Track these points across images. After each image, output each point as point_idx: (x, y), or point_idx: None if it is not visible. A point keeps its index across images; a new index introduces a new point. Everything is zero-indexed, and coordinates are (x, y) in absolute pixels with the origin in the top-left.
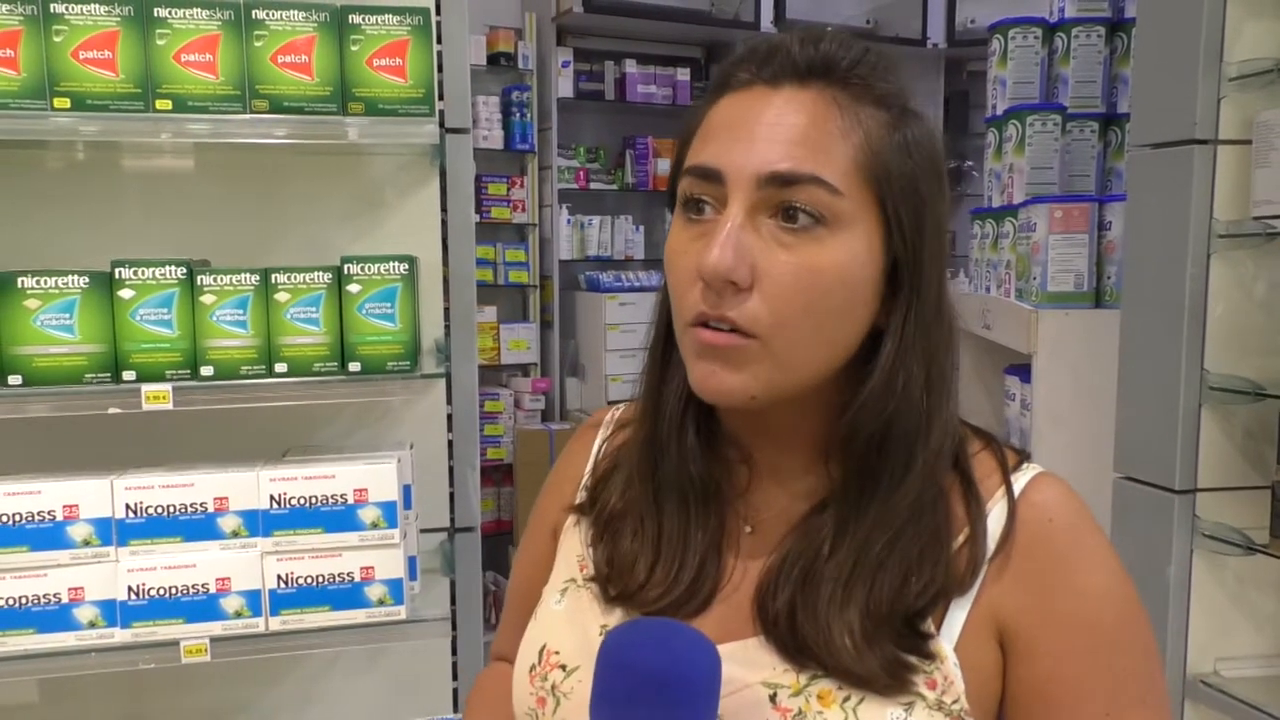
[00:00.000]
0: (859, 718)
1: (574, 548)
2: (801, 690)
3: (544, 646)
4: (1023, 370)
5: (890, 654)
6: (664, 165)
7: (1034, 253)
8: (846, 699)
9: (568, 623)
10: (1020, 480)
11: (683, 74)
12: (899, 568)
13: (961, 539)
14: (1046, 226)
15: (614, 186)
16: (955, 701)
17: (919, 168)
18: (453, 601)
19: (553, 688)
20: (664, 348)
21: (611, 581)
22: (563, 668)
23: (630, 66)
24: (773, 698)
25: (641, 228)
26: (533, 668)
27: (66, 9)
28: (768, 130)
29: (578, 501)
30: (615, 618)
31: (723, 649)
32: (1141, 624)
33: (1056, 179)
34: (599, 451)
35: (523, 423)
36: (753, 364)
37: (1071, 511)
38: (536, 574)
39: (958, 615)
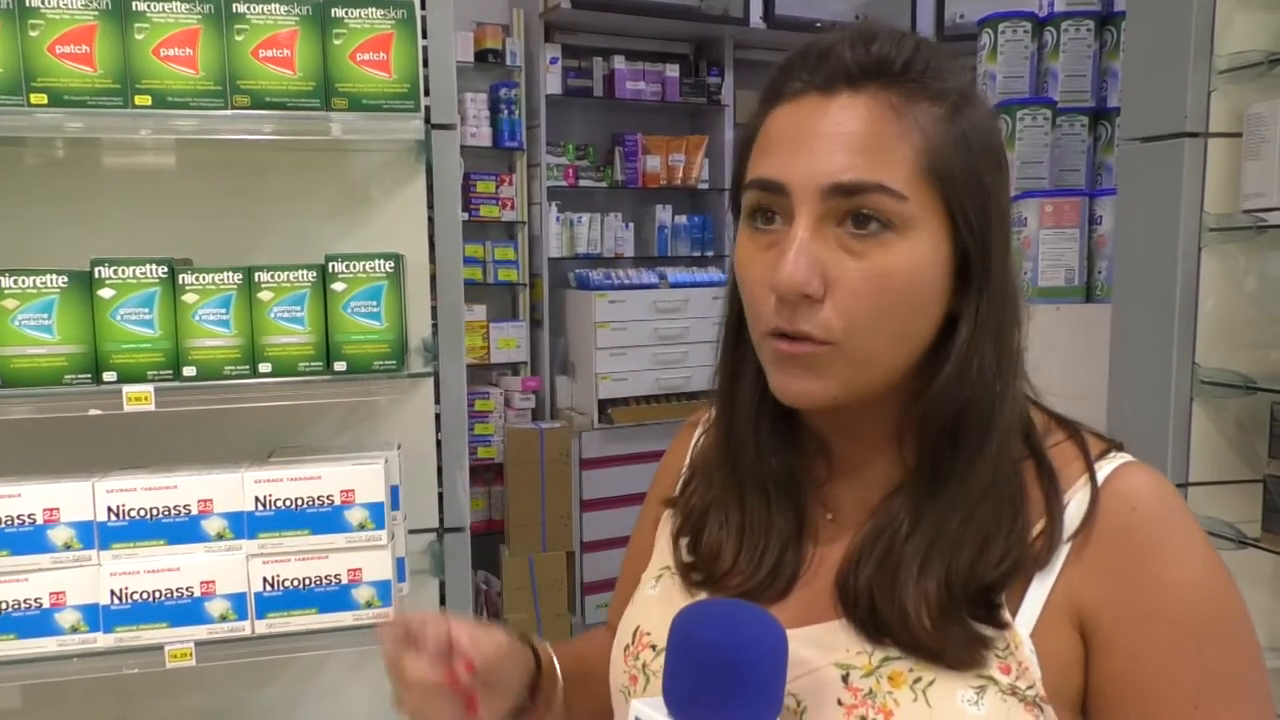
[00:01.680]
0: (929, 699)
1: (669, 536)
2: (873, 671)
3: (638, 628)
4: None
5: (966, 627)
6: (653, 162)
7: (1025, 247)
8: (917, 680)
9: (660, 606)
10: (1105, 469)
11: (671, 70)
12: (975, 543)
13: (1040, 525)
14: (1037, 221)
15: (603, 184)
16: (1030, 688)
17: (979, 159)
18: (442, 602)
19: (643, 666)
20: (735, 344)
21: (696, 569)
22: (653, 648)
23: (619, 63)
24: (845, 678)
25: (631, 225)
26: (627, 647)
27: (42, 3)
28: (827, 140)
29: (673, 495)
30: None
31: (800, 632)
32: (1235, 621)
33: (1047, 173)
34: (696, 446)
35: (513, 421)
36: (831, 368)
37: (1158, 501)
38: (640, 562)
39: (1035, 601)
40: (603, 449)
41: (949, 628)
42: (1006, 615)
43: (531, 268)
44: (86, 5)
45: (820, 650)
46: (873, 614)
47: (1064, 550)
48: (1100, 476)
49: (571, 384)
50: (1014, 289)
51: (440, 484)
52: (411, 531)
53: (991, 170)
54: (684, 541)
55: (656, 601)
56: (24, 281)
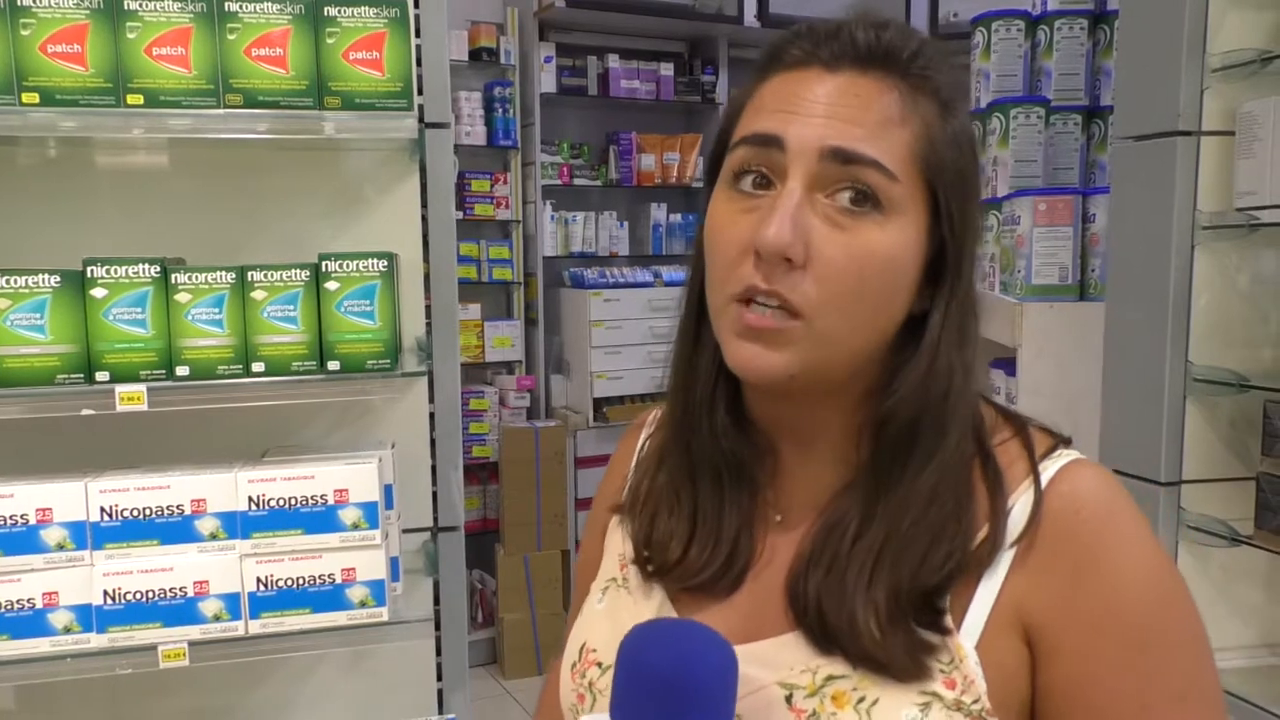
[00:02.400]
0: (872, 718)
1: (616, 546)
2: (817, 691)
3: (584, 644)
4: (1008, 364)
5: (911, 635)
6: (648, 161)
7: (1018, 246)
8: (860, 700)
9: (606, 621)
10: (1050, 468)
11: (666, 69)
12: (922, 546)
13: (985, 529)
14: (1031, 219)
15: (598, 182)
16: (975, 702)
17: (965, 159)
18: (436, 602)
19: (590, 684)
20: (696, 327)
21: (650, 559)
22: (599, 665)
23: (613, 61)
24: (788, 698)
25: (626, 223)
26: (574, 665)
27: (34, 2)
28: (829, 108)
29: (620, 501)
30: (652, 606)
31: (749, 648)
32: (1182, 618)
33: (1040, 172)
34: (642, 449)
35: (508, 420)
36: (795, 344)
37: (1103, 501)
38: (590, 573)
39: (980, 611)
40: (598, 447)
41: (896, 636)
42: (948, 621)
43: (526, 266)
44: (78, 4)
45: (765, 668)
46: (822, 624)
47: (1008, 555)
48: (1046, 476)
49: (566, 383)
50: (975, 289)
51: (434, 483)
52: (406, 531)
53: (974, 172)
54: (635, 531)
55: (603, 616)
56: (16, 281)
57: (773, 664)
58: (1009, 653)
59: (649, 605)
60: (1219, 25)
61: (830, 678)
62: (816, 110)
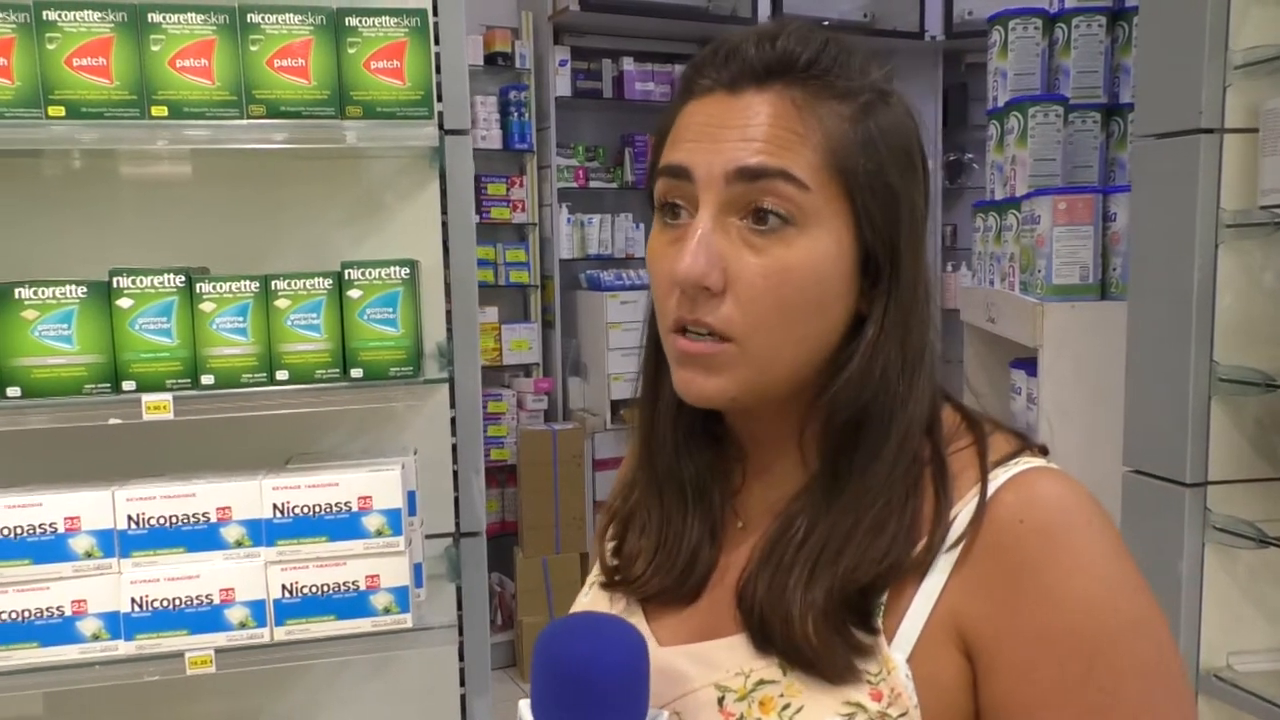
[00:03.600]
0: None
1: (606, 550)
2: (746, 695)
3: None
4: (1029, 364)
5: (847, 637)
6: None
7: (1038, 245)
8: (785, 707)
9: None
10: (1002, 476)
11: (681, 70)
12: (863, 543)
13: (927, 534)
14: (1050, 218)
15: (613, 184)
16: (903, 715)
17: (886, 159)
18: (459, 607)
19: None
20: (655, 347)
21: (619, 570)
22: None
23: (628, 64)
24: (720, 700)
25: (642, 225)
26: None
27: (59, 16)
28: (732, 132)
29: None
30: (619, 606)
31: (695, 648)
32: (1136, 638)
33: (1059, 170)
34: None
35: (525, 423)
36: (730, 368)
37: (1053, 511)
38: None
39: (914, 622)
40: (616, 449)
41: (829, 636)
42: (878, 622)
43: (543, 269)
44: (103, 18)
45: (704, 669)
46: (762, 625)
47: (946, 564)
48: (996, 484)
49: (584, 385)
50: (924, 291)
51: (456, 488)
52: (428, 536)
53: (901, 170)
54: (610, 545)
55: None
56: (43, 292)
57: (713, 665)
58: (946, 666)
59: (618, 605)
60: (1241, 21)
61: (761, 682)
62: (722, 136)
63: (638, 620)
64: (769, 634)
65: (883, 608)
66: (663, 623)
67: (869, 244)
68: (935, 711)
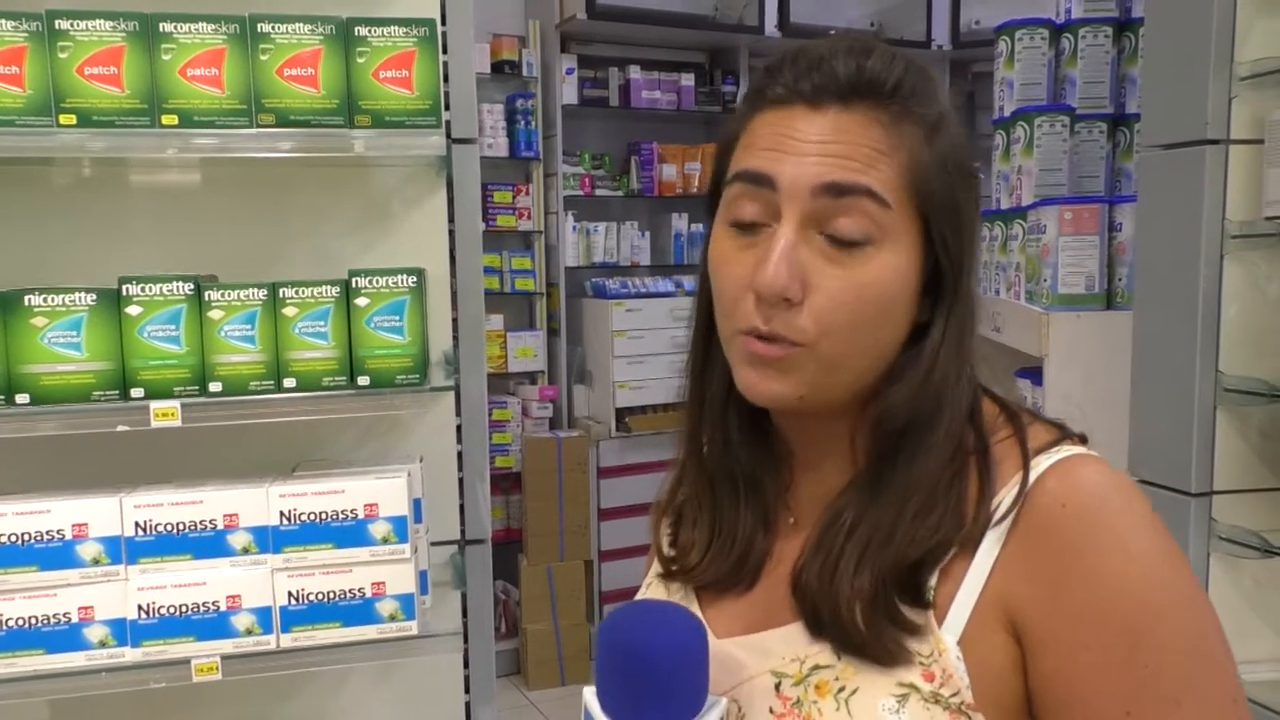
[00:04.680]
0: (850, 708)
1: (662, 544)
2: (802, 680)
3: None
4: (1034, 373)
5: (896, 617)
6: (669, 171)
7: (1044, 255)
8: (841, 689)
9: None
10: (1044, 463)
11: (687, 79)
12: (910, 527)
13: (972, 517)
14: (1056, 228)
15: (619, 192)
16: (955, 695)
17: (955, 179)
18: (464, 614)
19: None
20: (705, 345)
21: (675, 562)
22: None
23: (634, 72)
24: (777, 686)
25: (647, 233)
26: None
27: (71, 25)
28: (818, 146)
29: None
30: (676, 597)
31: (751, 638)
32: (1178, 617)
33: (1065, 180)
34: None
35: (530, 430)
36: (798, 370)
37: (1094, 495)
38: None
39: (963, 606)
40: (620, 457)
41: (879, 619)
42: (930, 595)
43: (548, 277)
44: (115, 27)
45: (760, 657)
46: (815, 612)
47: (993, 549)
48: (1038, 471)
49: (589, 393)
50: (975, 298)
51: (461, 496)
52: (433, 544)
53: (965, 189)
54: (667, 537)
55: None
56: (53, 299)
57: (769, 653)
58: (995, 649)
59: (674, 596)
60: (1247, 33)
61: (816, 667)
62: (808, 150)
63: (694, 611)
64: (820, 620)
65: (933, 590)
66: (718, 613)
67: (939, 261)
68: (986, 692)
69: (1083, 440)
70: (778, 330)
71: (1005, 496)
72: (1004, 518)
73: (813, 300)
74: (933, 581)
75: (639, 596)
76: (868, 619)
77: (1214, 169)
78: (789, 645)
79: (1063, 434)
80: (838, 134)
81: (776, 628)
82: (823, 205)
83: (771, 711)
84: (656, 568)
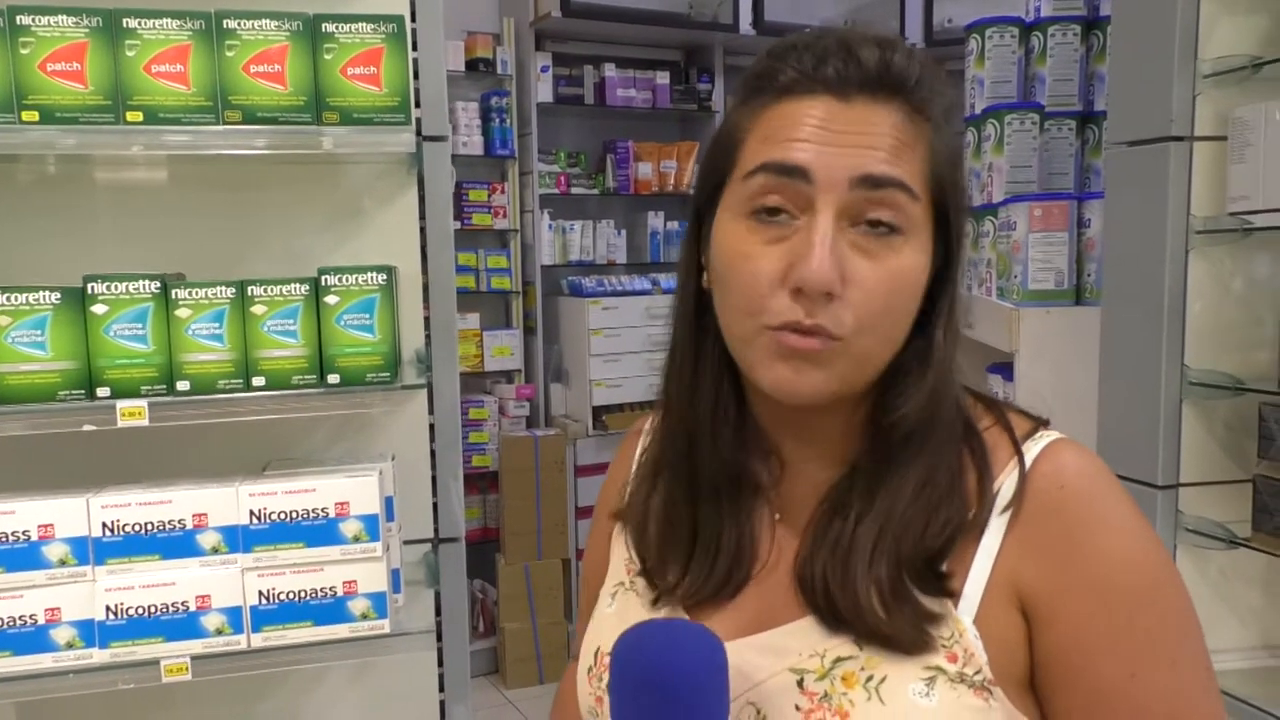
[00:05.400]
0: (881, 696)
1: (622, 551)
2: (827, 674)
3: (598, 649)
4: (1005, 369)
5: (916, 607)
6: (645, 169)
7: (1014, 251)
8: (869, 679)
9: (618, 623)
10: (1033, 449)
11: (662, 77)
12: (922, 520)
13: (975, 506)
14: (1026, 225)
15: (595, 191)
16: (977, 673)
17: (961, 172)
18: (438, 613)
19: (606, 687)
20: (694, 343)
21: (652, 575)
22: None
23: (609, 70)
24: (800, 683)
25: (623, 231)
26: (590, 669)
27: (33, 21)
28: (850, 137)
29: (619, 508)
30: (660, 614)
31: (759, 638)
32: (1169, 586)
33: (1035, 177)
34: (640, 455)
35: (507, 429)
36: (833, 364)
37: (1085, 476)
38: (596, 578)
39: (975, 586)
40: (597, 456)
41: (900, 609)
42: (952, 584)
43: (524, 275)
44: (77, 23)
45: (775, 656)
46: (830, 605)
47: (999, 533)
48: (1030, 456)
49: (566, 391)
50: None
51: (435, 494)
52: (406, 542)
53: (965, 181)
54: (634, 550)
55: (614, 619)
56: (16, 298)
57: (783, 651)
58: (1008, 626)
59: (658, 611)
60: (1210, 31)
61: (839, 659)
62: (841, 140)
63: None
64: (838, 614)
65: (950, 577)
66: (712, 620)
67: (951, 251)
68: (1001, 666)
69: (1047, 425)
70: (821, 323)
71: (1003, 481)
72: (1008, 506)
73: (850, 294)
74: (948, 569)
75: (600, 609)
76: (888, 609)
77: (1178, 165)
78: (804, 640)
79: (1037, 421)
80: (867, 125)
81: (785, 624)
82: (858, 197)
83: (798, 709)
84: (617, 580)
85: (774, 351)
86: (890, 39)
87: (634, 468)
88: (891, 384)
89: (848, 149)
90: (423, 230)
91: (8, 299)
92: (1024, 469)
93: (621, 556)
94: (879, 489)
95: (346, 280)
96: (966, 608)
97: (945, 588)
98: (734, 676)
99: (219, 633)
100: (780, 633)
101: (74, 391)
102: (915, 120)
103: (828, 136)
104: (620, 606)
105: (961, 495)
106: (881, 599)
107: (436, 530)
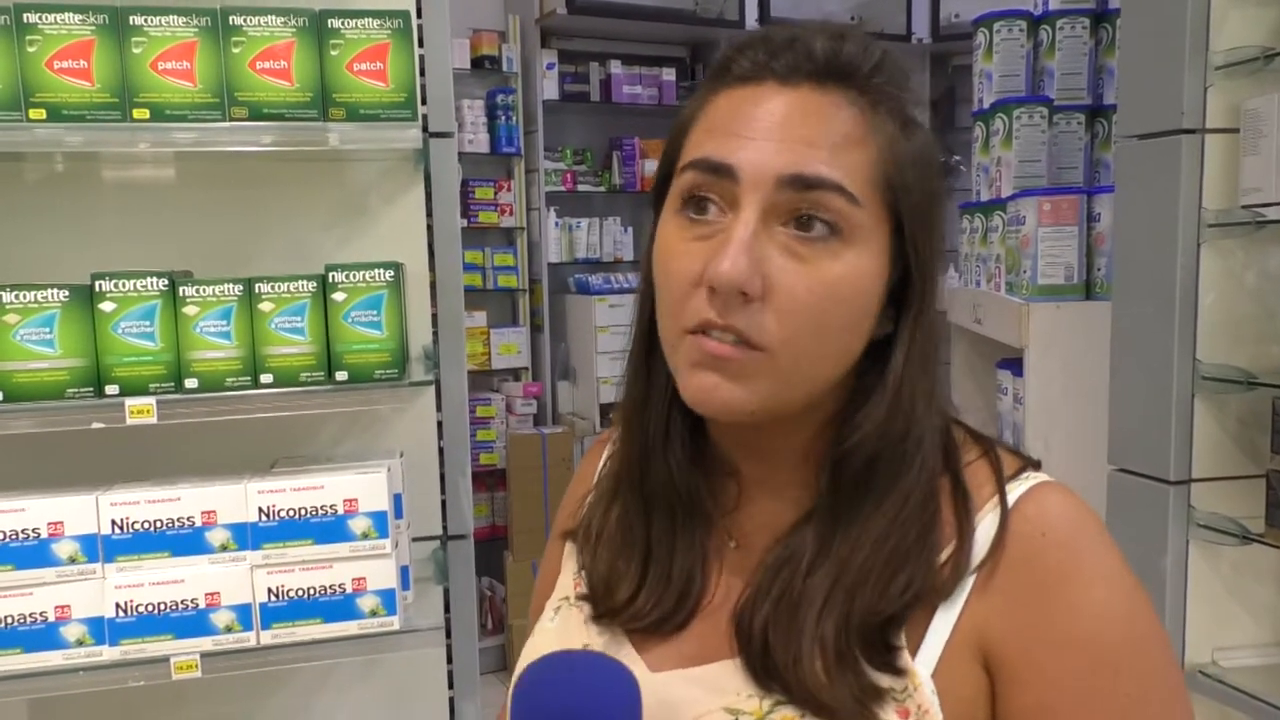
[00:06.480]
0: None
1: (573, 565)
2: (764, 718)
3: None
4: (1014, 364)
5: (861, 677)
6: (651, 166)
7: (1023, 246)
8: None
9: (557, 640)
10: (1017, 490)
11: (668, 74)
12: (882, 579)
13: (949, 550)
14: (1035, 219)
15: (601, 188)
16: None
17: (927, 178)
18: (446, 610)
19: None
20: (647, 352)
21: (599, 599)
22: None
23: (615, 67)
24: None
25: (630, 229)
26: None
27: (40, 19)
28: (786, 130)
29: (575, 523)
30: (601, 636)
31: (694, 671)
32: (1153, 646)
33: (1044, 171)
34: (603, 468)
35: (515, 427)
36: (756, 377)
37: (1070, 524)
38: (547, 588)
39: (938, 637)
40: None
41: (843, 677)
42: (905, 660)
43: (531, 273)
44: (84, 20)
45: (710, 693)
46: (765, 657)
47: (970, 581)
48: (1012, 498)
49: (573, 389)
50: (939, 312)
51: (443, 491)
52: (415, 539)
53: (936, 191)
54: (588, 568)
55: (554, 635)
56: (25, 296)
57: (718, 689)
58: (967, 681)
59: (604, 635)
60: (1221, 22)
61: (778, 703)
62: (776, 133)
63: (624, 648)
64: (773, 671)
65: (903, 639)
66: (652, 646)
67: (908, 264)
68: None
69: (1037, 467)
70: (733, 324)
71: (981, 523)
72: (985, 559)
73: (774, 299)
74: (902, 638)
75: (543, 627)
76: (830, 676)
77: (1190, 158)
78: (740, 681)
79: (1025, 461)
80: (807, 115)
81: (724, 660)
82: (787, 197)
83: None
84: (562, 594)
85: (691, 359)
86: (849, 31)
87: (594, 481)
88: (848, 412)
89: (784, 143)
90: (429, 227)
91: (16, 297)
92: (1005, 511)
93: (572, 570)
94: (835, 537)
95: (354, 277)
96: (925, 659)
97: (897, 664)
98: (664, 710)
99: (228, 630)
100: (717, 669)
101: (82, 389)
102: (868, 115)
103: (761, 129)
104: (562, 622)
105: (933, 542)
106: (824, 664)
107: (445, 527)
